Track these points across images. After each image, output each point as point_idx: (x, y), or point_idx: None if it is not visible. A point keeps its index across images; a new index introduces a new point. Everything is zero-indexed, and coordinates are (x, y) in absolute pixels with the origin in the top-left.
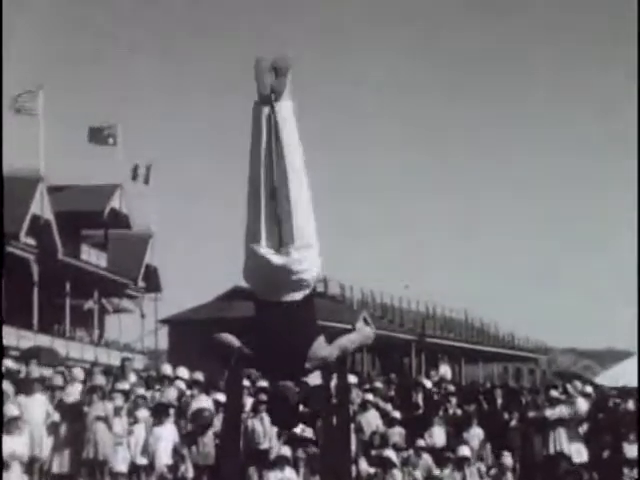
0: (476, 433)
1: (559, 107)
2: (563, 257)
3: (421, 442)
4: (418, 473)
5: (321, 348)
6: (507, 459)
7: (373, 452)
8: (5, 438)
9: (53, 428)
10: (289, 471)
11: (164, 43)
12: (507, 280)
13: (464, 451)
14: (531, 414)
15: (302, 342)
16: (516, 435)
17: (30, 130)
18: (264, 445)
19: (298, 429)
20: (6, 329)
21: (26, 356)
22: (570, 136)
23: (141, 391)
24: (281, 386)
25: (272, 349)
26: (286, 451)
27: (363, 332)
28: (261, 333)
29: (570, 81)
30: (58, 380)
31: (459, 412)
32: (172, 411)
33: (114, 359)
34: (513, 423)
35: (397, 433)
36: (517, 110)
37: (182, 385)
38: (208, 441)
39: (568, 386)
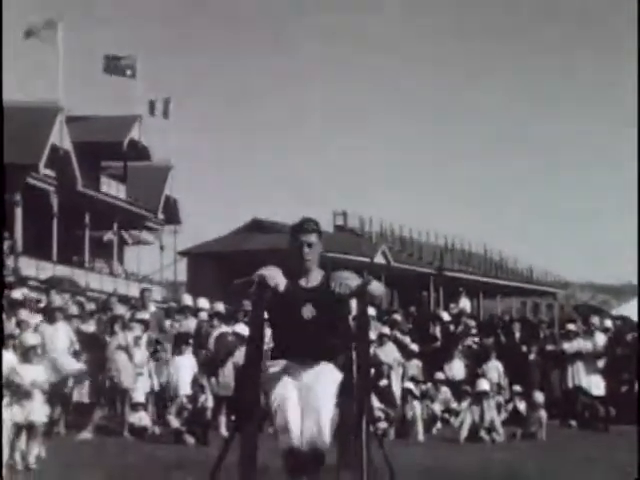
0: (494, 366)
1: None
2: (583, 191)
3: (440, 375)
4: (436, 406)
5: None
6: (539, 396)
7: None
8: (25, 366)
9: (74, 357)
10: None
11: None
12: (526, 214)
13: (483, 385)
14: (549, 348)
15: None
16: (534, 369)
17: (49, 60)
18: None
19: None
20: (25, 260)
21: (46, 286)
22: None
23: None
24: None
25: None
26: None
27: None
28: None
29: None
30: (74, 309)
31: (478, 345)
32: (191, 341)
33: (133, 290)
34: (531, 357)
35: (415, 366)
36: None
37: (203, 315)
38: (228, 372)
39: (593, 318)
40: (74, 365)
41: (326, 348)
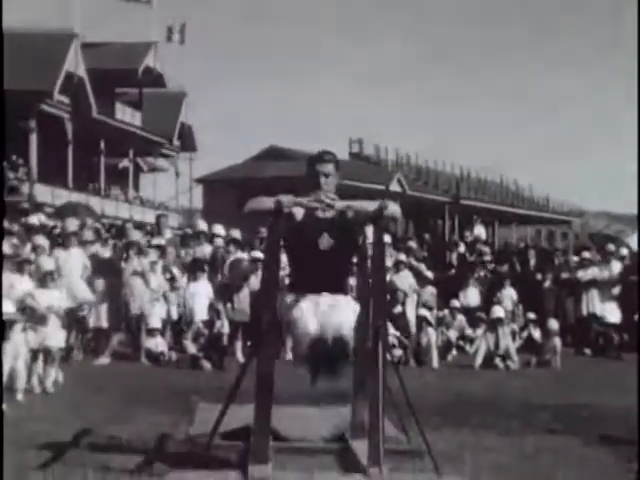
0: (509, 293)
1: None
2: (598, 121)
3: (455, 302)
4: (452, 333)
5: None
6: (553, 324)
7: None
8: (41, 291)
9: (89, 282)
10: None
11: None
12: (542, 143)
13: (498, 312)
14: (564, 275)
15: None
16: (549, 296)
17: None
18: None
19: None
20: (41, 187)
21: (61, 212)
22: None
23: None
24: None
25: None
26: None
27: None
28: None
29: None
30: (89, 235)
31: (492, 273)
32: (206, 268)
33: (149, 217)
34: (546, 284)
35: (429, 293)
36: None
37: (218, 241)
38: (243, 298)
39: (608, 246)
40: (87, 295)
41: (343, 278)
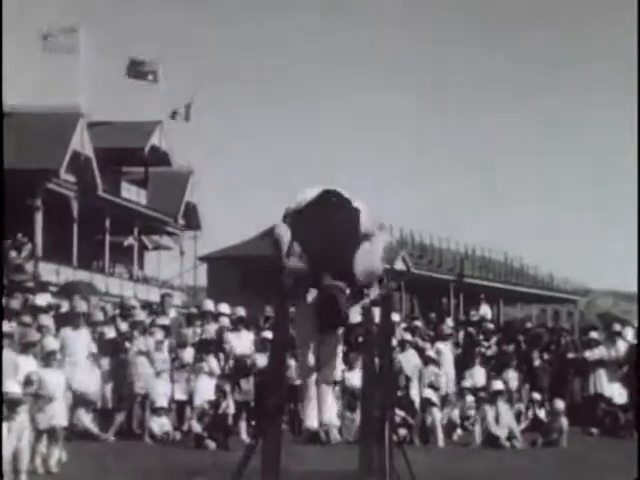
0: (515, 373)
1: None
2: (604, 201)
3: (465, 383)
4: (455, 412)
5: (370, 257)
6: (559, 404)
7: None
8: (46, 371)
9: (95, 363)
10: None
11: None
12: (548, 221)
13: (497, 385)
14: (570, 355)
15: (349, 242)
16: (555, 376)
17: (70, 67)
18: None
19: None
20: (45, 265)
21: (65, 291)
22: None
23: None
24: (329, 285)
25: (319, 243)
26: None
27: (382, 237)
28: (307, 227)
29: None
30: (98, 315)
31: (498, 352)
32: (212, 348)
33: (153, 295)
34: (552, 364)
35: (432, 372)
36: None
37: (224, 321)
38: (248, 380)
39: (615, 326)
40: (91, 379)
41: None
